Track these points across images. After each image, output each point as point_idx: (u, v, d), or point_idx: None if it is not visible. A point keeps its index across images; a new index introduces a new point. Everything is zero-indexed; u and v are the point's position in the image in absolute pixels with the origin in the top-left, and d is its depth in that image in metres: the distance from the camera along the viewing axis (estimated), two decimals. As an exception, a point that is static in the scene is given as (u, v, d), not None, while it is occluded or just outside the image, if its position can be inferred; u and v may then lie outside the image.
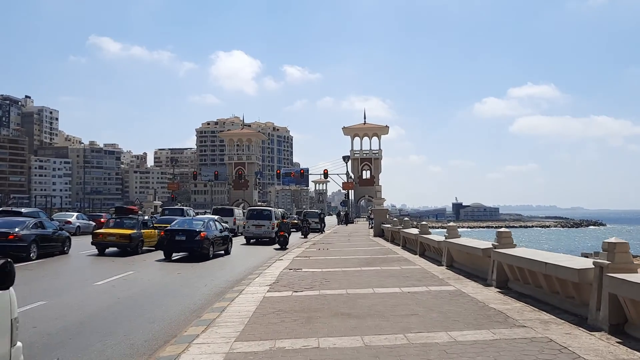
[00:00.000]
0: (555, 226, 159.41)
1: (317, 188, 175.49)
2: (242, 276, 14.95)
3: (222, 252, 22.42)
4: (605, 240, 7.66)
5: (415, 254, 19.71)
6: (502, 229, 11.46)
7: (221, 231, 22.64)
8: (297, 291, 11.52)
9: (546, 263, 8.65)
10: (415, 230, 21.66)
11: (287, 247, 26.30)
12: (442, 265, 15.51)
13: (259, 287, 12.25)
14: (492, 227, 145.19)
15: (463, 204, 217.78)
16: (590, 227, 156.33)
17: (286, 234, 27.21)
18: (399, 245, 24.81)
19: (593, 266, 7.65)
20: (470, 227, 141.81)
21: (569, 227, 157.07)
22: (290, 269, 15.74)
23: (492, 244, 11.46)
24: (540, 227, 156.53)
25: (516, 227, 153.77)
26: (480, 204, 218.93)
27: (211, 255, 20.38)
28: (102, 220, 34.85)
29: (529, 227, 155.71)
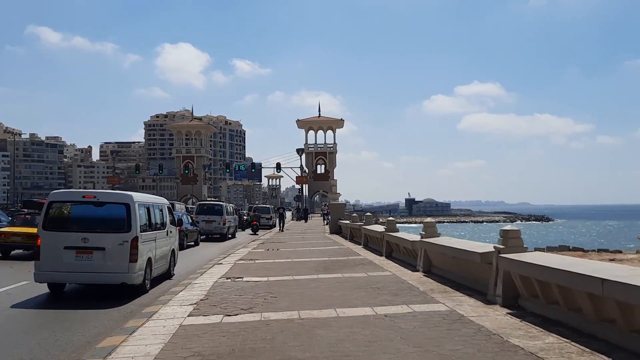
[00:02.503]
0: (505, 221, 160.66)
1: (270, 183, 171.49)
2: (163, 289, 11.48)
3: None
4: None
5: (381, 255, 16.68)
6: (508, 226, 8.51)
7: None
8: (230, 314, 8.22)
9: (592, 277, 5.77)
10: (380, 228, 18.65)
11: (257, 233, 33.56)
12: (418, 271, 12.50)
13: (178, 308, 8.87)
14: (444, 222, 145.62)
15: (416, 200, 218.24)
16: (540, 222, 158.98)
17: (258, 223, 35.78)
18: (359, 244, 21.76)
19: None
20: (422, 222, 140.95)
21: (516, 221, 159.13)
22: (228, 278, 12.38)
23: (496, 247, 8.50)
24: (490, 222, 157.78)
25: (467, 222, 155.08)
26: (432, 200, 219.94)
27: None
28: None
29: (480, 222, 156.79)
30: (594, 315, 6.07)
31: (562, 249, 50.52)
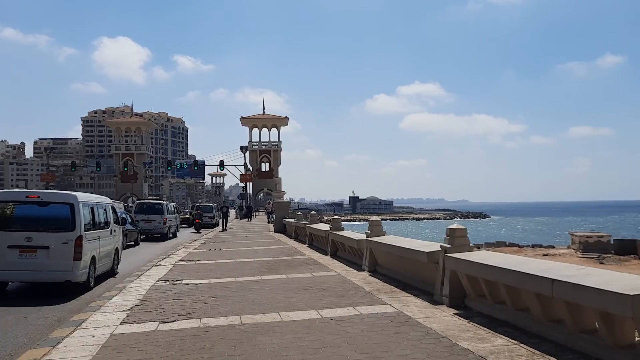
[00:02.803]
0: (445, 218, 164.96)
1: (213, 181, 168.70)
2: (95, 295, 10.72)
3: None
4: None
5: (326, 255, 16.41)
6: (455, 225, 8.38)
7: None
8: (166, 321, 7.67)
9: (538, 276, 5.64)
10: (325, 226, 18.37)
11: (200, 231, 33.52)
12: (364, 271, 12.28)
13: (110, 315, 8.22)
14: (386, 219, 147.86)
15: (359, 198, 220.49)
16: (478, 219, 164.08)
17: (201, 221, 35.87)
18: (304, 243, 21.42)
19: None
20: (367, 220, 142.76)
21: (457, 218, 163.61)
22: (166, 281, 11.73)
23: (442, 246, 8.35)
24: (430, 219, 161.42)
25: (409, 219, 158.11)
26: (375, 197, 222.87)
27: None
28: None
29: (421, 219, 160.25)
30: (542, 315, 5.96)
31: (499, 244, 52.09)
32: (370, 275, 11.68)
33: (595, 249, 48.74)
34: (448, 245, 8.18)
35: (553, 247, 57.58)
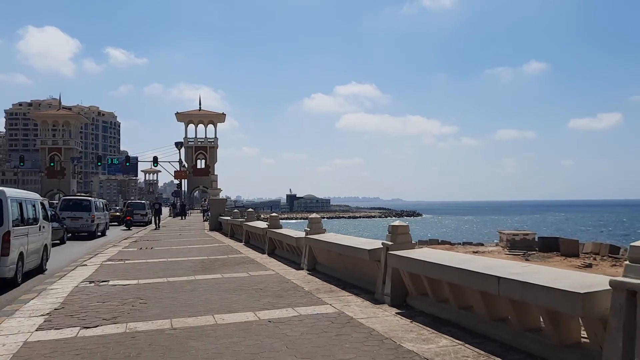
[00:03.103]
0: (380, 216, 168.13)
1: (147, 178, 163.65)
2: (11, 298, 9.77)
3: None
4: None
5: (264, 253, 15.93)
6: (397, 222, 8.17)
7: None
8: (88, 326, 6.99)
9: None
10: (262, 224, 17.87)
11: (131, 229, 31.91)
12: (303, 269, 11.93)
13: (26, 320, 7.42)
14: (324, 217, 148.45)
15: (297, 196, 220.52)
16: (411, 217, 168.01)
17: (132, 218, 34.59)
18: (240, 241, 20.81)
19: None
20: (304, 218, 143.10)
21: (391, 217, 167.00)
22: (91, 282, 10.89)
23: (384, 244, 8.12)
24: (366, 217, 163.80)
25: (346, 217, 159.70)
26: (312, 196, 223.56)
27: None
28: None
29: (358, 217, 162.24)
30: (487, 314, 5.81)
31: (432, 242, 53.40)
32: (309, 274, 11.34)
33: (521, 246, 50.91)
34: (390, 243, 7.96)
35: (482, 244, 59.72)
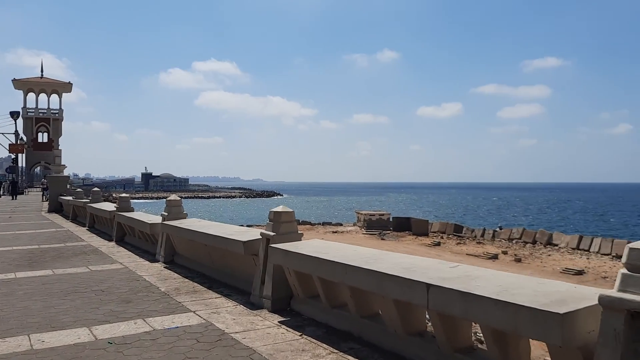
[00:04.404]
0: (240, 196, 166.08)
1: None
2: None
3: None
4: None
5: (111, 241, 13.43)
6: (280, 208, 6.60)
7: None
8: None
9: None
10: (110, 206, 15.23)
11: None
12: (159, 262, 9.89)
13: None
14: (182, 197, 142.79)
15: (153, 174, 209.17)
16: (272, 197, 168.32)
17: None
18: (84, 225, 17.77)
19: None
20: (160, 198, 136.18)
21: (252, 197, 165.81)
22: None
23: (264, 234, 6.51)
24: (227, 197, 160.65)
25: (206, 197, 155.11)
26: (170, 175, 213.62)
27: None
28: None
29: (218, 197, 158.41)
30: (403, 328, 4.50)
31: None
32: (167, 267, 9.36)
33: (377, 226, 52.59)
34: (271, 233, 6.39)
35: (341, 224, 60.89)
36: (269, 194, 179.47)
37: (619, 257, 32.03)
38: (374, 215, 54.09)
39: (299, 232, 6.52)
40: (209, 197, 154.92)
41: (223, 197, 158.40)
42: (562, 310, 3.01)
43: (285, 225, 6.42)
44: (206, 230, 7.90)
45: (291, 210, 6.60)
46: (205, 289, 7.55)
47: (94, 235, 15.12)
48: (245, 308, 6.38)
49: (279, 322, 5.75)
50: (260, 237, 6.60)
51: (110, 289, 7.68)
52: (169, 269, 9.17)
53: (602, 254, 33.36)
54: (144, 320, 5.91)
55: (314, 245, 5.97)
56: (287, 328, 5.51)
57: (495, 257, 33.98)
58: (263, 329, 5.52)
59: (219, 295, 7.09)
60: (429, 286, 3.88)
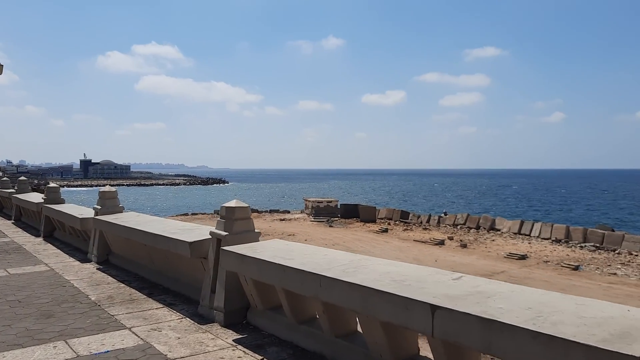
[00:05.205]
0: (185, 184, 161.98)
1: None
2: None
3: None
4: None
5: (39, 236, 11.88)
6: (234, 203, 5.53)
7: None
8: None
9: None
10: (37, 197, 13.58)
11: None
12: (91, 262, 8.60)
13: None
14: (123, 184, 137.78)
15: (92, 161, 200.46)
16: (218, 184, 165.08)
17: None
18: (9, 218, 15.95)
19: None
20: (100, 185, 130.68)
21: (196, 184, 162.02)
22: None
23: (214, 234, 5.45)
24: (171, 184, 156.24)
25: (148, 185, 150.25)
26: (110, 162, 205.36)
27: None
28: None
29: (161, 184, 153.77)
30: (391, 354, 3.60)
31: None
32: (100, 269, 8.09)
33: (325, 213, 52.00)
34: (223, 233, 5.33)
35: (288, 211, 59.98)
36: (214, 181, 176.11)
37: (559, 241, 32.81)
38: (321, 202, 53.47)
39: (256, 230, 5.50)
40: (151, 185, 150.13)
41: (166, 185, 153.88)
42: (636, 350, 2.18)
43: (239, 223, 5.38)
44: (145, 228, 6.71)
45: (246, 205, 5.55)
46: (145, 296, 6.40)
47: (20, 229, 13.43)
48: (192, 322, 5.31)
49: (234, 340, 4.74)
50: (210, 236, 5.53)
51: (30, 298, 6.39)
52: (103, 271, 7.91)
53: (542, 238, 34.08)
54: (66, 343, 4.74)
55: (275, 247, 4.97)
56: (245, 349, 4.51)
57: (442, 243, 34.07)
58: (215, 351, 4.49)
59: (161, 305, 5.98)
60: (434, 308, 2.98)
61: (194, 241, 5.60)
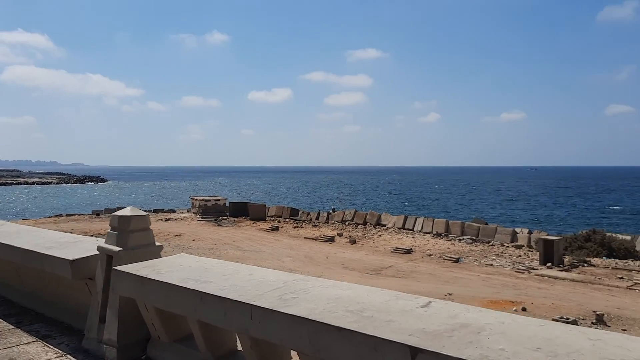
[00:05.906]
0: (58, 182, 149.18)
1: None
2: None
3: None
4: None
5: None
6: (129, 210, 4.45)
7: None
8: None
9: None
10: None
11: None
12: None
13: None
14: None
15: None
16: (96, 183, 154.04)
17: None
18: None
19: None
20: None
21: (71, 183, 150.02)
22: None
23: (103, 249, 4.34)
24: (42, 184, 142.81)
25: (16, 184, 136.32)
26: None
27: None
28: None
29: (31, 184, 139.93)
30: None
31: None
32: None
33: (213, 212, 50.21)
34: (116, 248, 4.24)
35: (174, 211, 57.22)
36: (92, 179, 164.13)
37: (439, 234, 34.40)
38: (209, 200, 51.52)
39: (157, 244, 4.48)
40: (19, 184, 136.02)
41: (37, 184, 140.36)
42: None
43: (136, 236, 4.32)
44: (12, 242, 5.33)
45: (144, 213, 4.50)
46: (12, 326, 5.05)
47: None
48: (75, 361, 4.17)
49: (132, 385, 3.72)
50: (98, 252, 4.41)
51: None
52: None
53: (424, 233, 35.56)
54: None
55: (183, 265, 4.00)
56: (149, 397, 3.52)
57: (332, 239, 34.22)
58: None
59: (33, 339, 4.71)
60: (415, 352, 2.29)
61: (76, 259, 4.43)
